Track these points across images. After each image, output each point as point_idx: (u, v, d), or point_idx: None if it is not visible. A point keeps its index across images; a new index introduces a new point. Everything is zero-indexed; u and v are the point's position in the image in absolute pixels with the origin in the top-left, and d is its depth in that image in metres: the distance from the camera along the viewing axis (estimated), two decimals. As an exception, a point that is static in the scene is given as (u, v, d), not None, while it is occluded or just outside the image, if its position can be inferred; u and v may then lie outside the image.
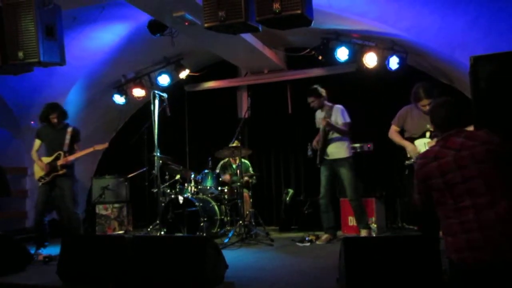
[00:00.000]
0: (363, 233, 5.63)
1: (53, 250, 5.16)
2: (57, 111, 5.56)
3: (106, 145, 5.85)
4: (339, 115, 5.68)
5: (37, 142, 5.67)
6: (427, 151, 2.80)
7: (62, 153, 5.52)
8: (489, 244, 2.35)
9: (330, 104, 5.80)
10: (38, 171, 5.58)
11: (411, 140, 4.75)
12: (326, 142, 5.69)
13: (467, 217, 2.43)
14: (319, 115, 5.86)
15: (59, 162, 5.49)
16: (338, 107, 5.74)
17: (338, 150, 5.66)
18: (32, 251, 5.20)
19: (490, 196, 2.41)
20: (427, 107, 4.54)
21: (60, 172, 5.48)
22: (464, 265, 2.41)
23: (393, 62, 6.33)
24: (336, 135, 5.66)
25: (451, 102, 2.77)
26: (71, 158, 5.53)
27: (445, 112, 2.70)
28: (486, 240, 2.35)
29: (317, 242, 5.67)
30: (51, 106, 5.61)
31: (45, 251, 5.34)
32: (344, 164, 5.64)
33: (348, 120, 5.69)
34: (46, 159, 5.56)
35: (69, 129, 5.62)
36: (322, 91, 5.77)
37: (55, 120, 5.55)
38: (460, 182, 2.47)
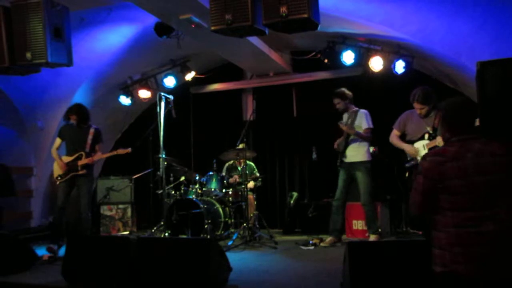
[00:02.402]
0: (372, 238, 5.60)
1: (59, 250, 5.20)
2: (75, 113, 5.58)
3: (129, 150, 5.82)
4: (363, 120, 5.69)
5: (58, 141, 5.69)
6: (442, 149, 2.50)
7: (83, 153, 5.54)
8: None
9: (355, 108, 5.81)
10: (57, 170, 5.60)
11: (411, 143, 4.78)
12: (347, 144, 5.70)
13: (487, 227, 2.27)
14: (345, 118, 5.88)
15: (81, 162, 5.50)
16: (363, 111, 5.75)
17: (356, 153, 5.65)
18: (53, 246, 5.23)
19: (506, 209, 2.27)
20: (419, 111, 4.63)
21: (80, 172, 5.50)
22: (475, 282, 2.23)
23: (399, 66, 6.32)
24: (355, 138, 5.67)
25: (473, 105, 2.56)
26: (96, 158, 5.58)
27: (469, 115, 2.52)
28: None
29: (322, 244, 5.66)
30: (72, 107, 5.67)
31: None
32: (360, 167, 5.62)
33: (371, 125, 5.69)
34: (67, 158, 5.58)
35: (92, 130, 5.65)
36: (349, 94, 5.79)
37: (74, 122, 5.58)
38: (482, 190, 2.30)
